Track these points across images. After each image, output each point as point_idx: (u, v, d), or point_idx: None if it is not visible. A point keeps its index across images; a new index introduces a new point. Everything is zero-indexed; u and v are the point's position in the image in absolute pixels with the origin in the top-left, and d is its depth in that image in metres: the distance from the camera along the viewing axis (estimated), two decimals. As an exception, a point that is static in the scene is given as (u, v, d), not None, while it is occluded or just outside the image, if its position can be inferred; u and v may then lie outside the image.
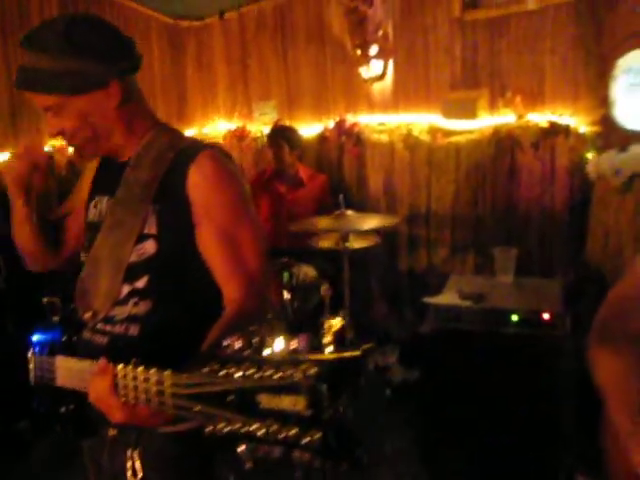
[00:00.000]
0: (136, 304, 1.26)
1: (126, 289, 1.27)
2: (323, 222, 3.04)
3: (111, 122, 1.27)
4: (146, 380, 0.89)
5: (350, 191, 3.83)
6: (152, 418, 0.94)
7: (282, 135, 3.61)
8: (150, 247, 1.25)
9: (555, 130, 3.10)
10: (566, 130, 3.08)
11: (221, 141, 4.37)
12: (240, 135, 4.27)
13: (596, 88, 2.92)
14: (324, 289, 2.97)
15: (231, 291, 1.20)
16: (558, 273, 3.11)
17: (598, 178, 2.73)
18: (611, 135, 2.70)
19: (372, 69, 3.64)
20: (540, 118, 3.17)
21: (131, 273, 1.25)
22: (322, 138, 3.91)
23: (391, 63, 3.62)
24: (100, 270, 1.29)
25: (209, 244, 1.23)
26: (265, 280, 1.25)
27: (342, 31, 3.74)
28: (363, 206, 3.75)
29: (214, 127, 4.46)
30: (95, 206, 1.38)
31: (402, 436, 2.98)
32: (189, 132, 4.46)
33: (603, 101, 2.76)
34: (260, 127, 4.19)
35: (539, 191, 3.18)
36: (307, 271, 3.26)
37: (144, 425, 0.98)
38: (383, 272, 3.78)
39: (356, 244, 3.13)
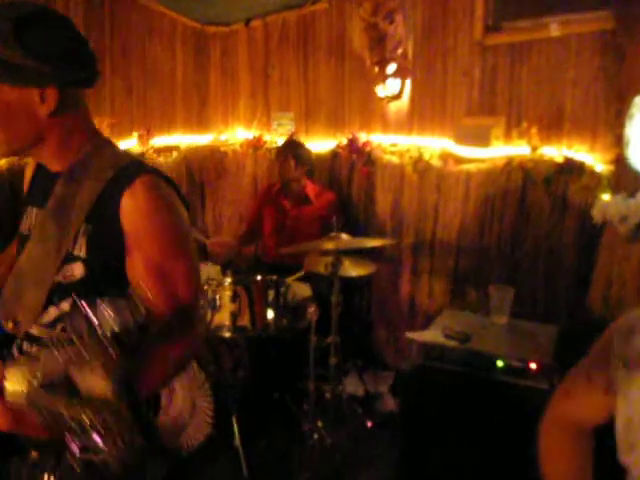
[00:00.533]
0: (64, 329, 1.22)
1: (53, 312, 1.24)
2: (314, 244, 2.98)
3: (36, 128, 1.20)
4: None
5: (358, 211, 3.74)
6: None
7: (290, 149, 3.56)
8: (78, 270, 1.21)
9: (569, 167, 2.93)
10: (581, 167, 2.90)
11: (238, 149, 4.35)
12: (256, 145, 4.23)
13: (615, 125, 2.74)
14: (310, 311, 2.92)
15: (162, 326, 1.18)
16: (560, 318, 2.94)
17: (606, 223, 2.55)
18: (623, 178, 2.53)
19: (389, 88, 3.54)
20: (555, 152, 3.00)
21: (57, 293, 1.22)
22: (334, 154, 3.83)
23: (409, 83, 3.51)
24: (23, 283, 1.26)
25: (138, 274, 1.20)
26: (198, 315, 1.23)
27: (362, 47, 3.64)
28: (370, 228, 3.66)
29: (233, 134, 4.43)
30: (27, 217, 1.35)
31: (377, 471, 2.89)
32: (207, 138, 4.46)
33: (619, 140, 2.59)
34: (276, 138, 4.14)
35: (548, 229, 3.01)
36: (301, 290, 3.19)
37: (31, 433, 0.96)
38: (384, 298, 3.66)
39: (352, 271, 3.06)
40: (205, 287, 2.92)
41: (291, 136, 3.99)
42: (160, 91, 4.15)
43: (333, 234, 2.87)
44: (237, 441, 2.88)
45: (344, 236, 2.85)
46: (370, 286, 3.71)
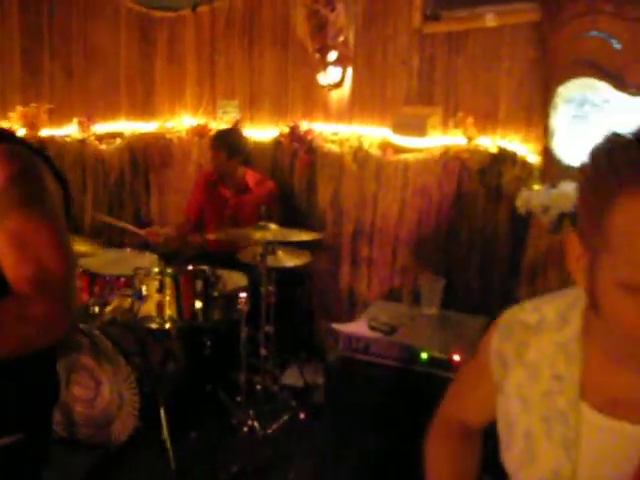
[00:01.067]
0: None
1: None
2: (239, 232, 2.94)
3: None
4: None
5: (299, 201, 3.70)
6: None
7: (222, 141, 3.51)
8: None
9: (503, 157, 2.92)
10: (513, 158, 2.90)
11: (183, 136, 4.27)
12: (201, 132, 4.16)
13: (545, 116, 2.73)
14: (241, 301, 2.87)
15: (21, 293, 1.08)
16: (494, 309, 2.93)
17: (531, 214, 2.55)
18: (548, 169, 2.52)
19: (330, 76, 3.49)
20: (490, 143, 2.99)
21: None
22: (277, 143, 3.78)
23: (350, 71, 3.47)
24: None
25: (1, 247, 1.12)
26: (69, 289, 1.13)
27: (304, 34, 3.59)
28: (311, 217, 3.62)
29: (179, 122, 4.35)
30: None
31: (309, 462, 2.86)
32: (152, 125, 4.37)
33: (546, 131, 2.58)
34: (222, 125, 4.07)
35: (483, 220, 3.00)
36: (238, 281, 3.14)
37: None
38: (324, 289, 3.63)
39: (286, 262, 3.02)
40: (132, 276, 2.87)
41: (237, 122, 3.92)
42: (103, 76, 4.05)
43: (262, 224, 2.83)
44: (165, 433, 2.83)
45: (273, 226, 2.82)
46: (311, 277, 3.67)
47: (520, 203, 2.51)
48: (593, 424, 0.84)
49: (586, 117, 2.36)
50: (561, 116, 2.39)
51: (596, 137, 0.76)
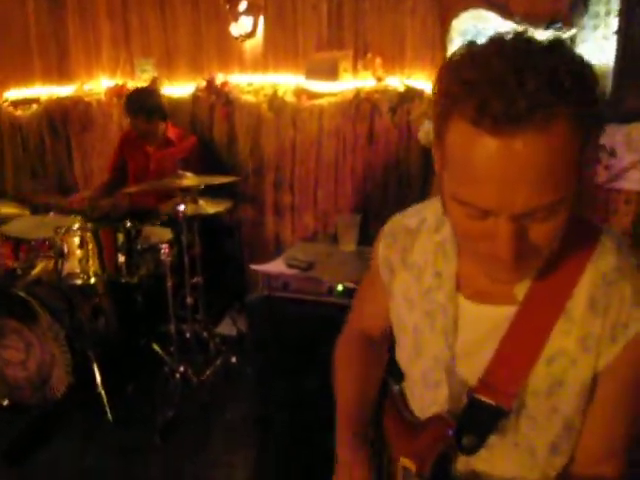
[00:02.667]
0: None
1: None
2: (161, 182, 2.96)
3: None
4: None
5: (220, 153, 3.72)
6: None
7: (137, 105, 3.45)
8: None
9: (411, 95, 3.01)
10: (420, 95, 2.99)
11: (102, 98, 4.20)
12: (120, 92, 4.09)
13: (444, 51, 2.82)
14: (163, 253, 2.91)
15: None
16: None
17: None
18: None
19: (242, 26, 3.49)
20: (398, 82, 3.07)
21: None
22: (195, 98, 3.76)
23: (261, 20, 3.47)
24: None
25: None
26: None
27: (214, -15, 3.57)
28: (232, 169, 3.65)
29: (97, 84, 4.27)
30: None
31: (243, 405, 2.95)
32: (70, 88, 4.27)
33: (445, 65, 2.66)
34: (140, 84, 4.02)
35: (396, 159, 3.10)
36: (163, 234, 3.17)
37: None
38: (251, 238, 3.70)
39: (208, 209, 3.05)
40: (53, 234, 2.86)
41: (155, 80, 3.88)
42: (12, 42, 3.93)
43: (180, 172, 2.85)
44: (99, 387, 2.88)
45: (189, 174, 2.84)
46: (239, 228, 3.73)
47: (422, 135, 2.61)
48: (467, 312, 0.93)
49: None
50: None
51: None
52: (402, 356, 1.07)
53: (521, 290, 0.86)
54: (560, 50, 0.71)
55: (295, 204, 3.49)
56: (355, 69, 3.20)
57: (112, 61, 4.20)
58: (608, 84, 1.96)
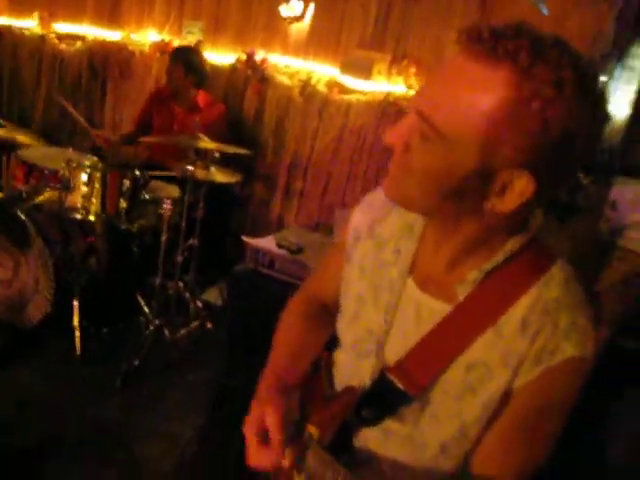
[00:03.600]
0: None
1: None
2: (176, 139, 3.00)
3: None
4: None
5: (246, 127, 3.77)
6: None
7: (181, 57, 3.53)
8: None
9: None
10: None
11: (146, 50, 4.28)
12: (164, 49, 4.17)
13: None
14: (165, 208, 2.96)
15: None
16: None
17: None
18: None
19: (292, 8, 3.54)
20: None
21: None
22: (233, 68, 3.82)
23: (312, 7, 3.52)
24: None
25: None
26: None
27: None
28: (254, 144, 3.70)
29: (144, 36, 4.35)
30: None
31: (207, 370, 3.00)
32: (116, 34, 4.36)
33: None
34: (184, 44, 4.10)
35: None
36: (170, 191, 3.23)
37: None
38: (256, 215, 3.75)
39: (217, 177, 3.09)
40: (63, 166, 2.93)
41: (199, 44, 3.95)
42: (69, -24, 4.03)
43: (197, 134, 2.90)
44: (75, 322, 2.94)
45: (206, 138, 2.89)
46: (246, 202, 3.78)
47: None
48: (410, 295, 0.96)
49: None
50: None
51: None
52: (341, 321, 1.10)
53: (462, 292, 0.88)
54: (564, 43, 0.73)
55: (305, 191, 3.54)
56: (389, 73, 3.23)
57: (163, 16, 4.28)
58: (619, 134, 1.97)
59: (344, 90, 3.37)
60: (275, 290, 2.62)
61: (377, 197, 1.07)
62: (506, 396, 0.86)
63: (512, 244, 0.86)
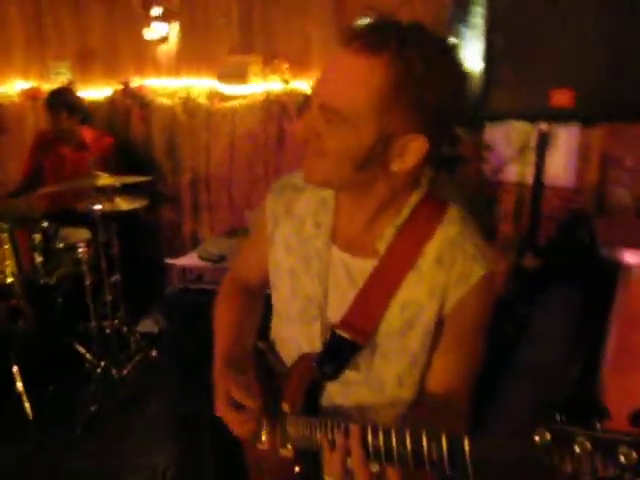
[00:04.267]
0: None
1: None
2: (76, 182, 3.01)
3: None
4: None
5: (137, 154, 3.80)
6: None
7: (61, 100, 3.51)
8: None
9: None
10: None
11: (16, 100, 4.18)
12: (34, 95, 4.10)
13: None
14: (81, 252, 2.97)
15: None
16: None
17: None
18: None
19: (156, 31, 3.59)
20: (305, 85, 3.26)
21: None
22: (111, 101, 3.83)
23: (176, 26, 3.59)
24: None
25: None
26: None
27: (128, -10, 3.65)
28: (149, 170, 3.74)
29: (10, 86, 4.25)
30: None
31: (166, 398, 3.03)
32: (-19, 91, 4.23)
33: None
34: (55, 87, 4.04)
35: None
36: (80, 235, 3.22)
37: None
38: (170, 237, 3.80)
39: (123, 205, 3.12)
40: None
41: (70, 84, 3.91)
42: None
43: (95, 173, 2.93)
44: (19, 388, 2.91)
45: (104, 174, 2.92)
46: (158, 228, 3.82)
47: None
48: (338, 260, 1.10)
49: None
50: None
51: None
52: (279, 298, 1.21)
53: (381, 247, 1.04)
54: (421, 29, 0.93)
55: (211, 202, 3.63)
56: (264, 73, 3.37)
57: (24, 62, 4.19)
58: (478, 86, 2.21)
59: (225, 98, 3.48)
60: (209, 301, 2.70)
61: (287, 182, 1.20)
62: (441, 323, 1.03)
63: (414, 199, 1.04)
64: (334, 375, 1.05)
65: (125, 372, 3.13)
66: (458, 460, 0.71)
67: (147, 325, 3.65)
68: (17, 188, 3.76)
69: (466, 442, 0.71)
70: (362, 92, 0.89)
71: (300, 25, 3.27)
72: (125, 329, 3.26)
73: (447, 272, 1.01)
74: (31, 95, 4.11)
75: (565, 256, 2.50)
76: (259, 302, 1.38)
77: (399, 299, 1.03)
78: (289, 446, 1.11)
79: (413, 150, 0.93)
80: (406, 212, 1.03)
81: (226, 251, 2.82)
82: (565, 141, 2.61)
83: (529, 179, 2.70)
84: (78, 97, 3.62)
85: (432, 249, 1.02)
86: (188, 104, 3.56)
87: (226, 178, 3.55)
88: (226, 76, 3.39)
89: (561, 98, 2.18)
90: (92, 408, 2.90)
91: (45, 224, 2.96)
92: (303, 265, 1.13)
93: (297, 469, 1.10)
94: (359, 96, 0.89)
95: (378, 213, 1.04)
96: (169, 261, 2.78)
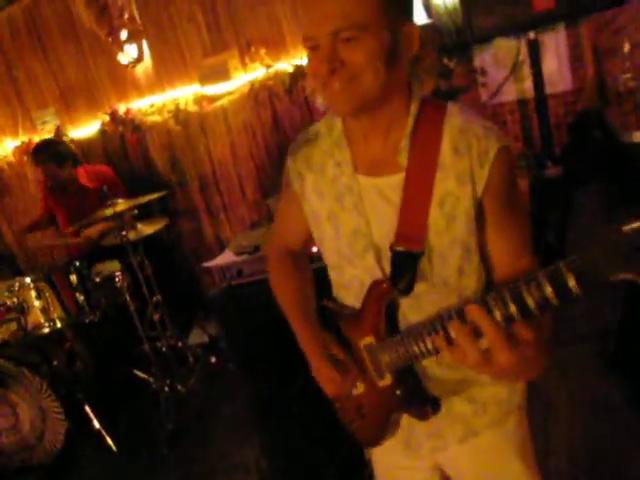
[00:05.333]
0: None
1: None
2: (95, 215, 3.03)
3: None
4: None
5: (139, 177, 3.84)
6: None
7: (46, 155, 3.43)
8: None
9: (301, 73, 3.23)
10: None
11: (12, 159, 4.23)
12: (27, 150, 4.14)
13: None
14: (118, 280, 3.03)
15: None
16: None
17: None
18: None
19: (128, 54, 3.62)
20: (287, 65, 3.29)
21: None
22: (102, 133, 3.87)
23: (145, 44, 3.62)
24: None
25: None
26: None
27: (90, 21, 3.68)
28: (156, 187, 3.76)
29: (2, 147, 4.30)
30: None
31: (237, 401, 3.08)
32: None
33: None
34: (45, 137, 4.08)
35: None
36: (111, 267, 3.27)
37: None
38: (195, 247, 3.86)
39: (147, 230, 3.17)
40: (7, 295, 2.93)
41: (58, 130, 3.95)
42: None
43: (109, 202, 2.96)
44: (96, 425, 2.97)
45: (120, 200, 2.97)
46: (181, 242, 3.87)
47: (320, 102, 2.85)
48: (367, 186, 1.14)
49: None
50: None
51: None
52: (328, 247, 1.24)
53: (403, 159, 1.09)
54: None
55: (226, 203, 3.67)
56: (244, 64, 3.40)
57: (8, 119, 4.23)
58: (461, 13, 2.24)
59: (213, 99, 3.51)
60: (255, 291, 2.74)
61: (298, 142, 1.24)
62: (479, 205, 1.09)
63: (414, 107, 1.10)
64: (409, 289, 1.10)
65: (191, 384, 3.19)
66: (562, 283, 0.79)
67: (197, 336, 3.71)
68: (35, 222, 3.76)
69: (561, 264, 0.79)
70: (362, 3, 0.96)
71: (266, 9, 3.30)
72: (180, 344, 3.32)
73: (468, 157, 1.06)
74: (24, 150, 4.16)
75: (584, 156, 2.54)
76: (306, 261, 1.43)
77: (436, 198, 1.08)
78: (387, 375, 1.15)
79: (413, 37, 1.03)
80: (411, 121, 1.09)
81: (258, 241, 2.86)
82: (554, 46, 2.64)
83: (529, 93, 2.73)
84: (60, 144, 3.60)
85: (447, 143, 1.08)
86: (179, 115, 3.59)
87: (234, 176, 3.59)
88: (207, 78, 3.42)
89: (543, 1, 2.21)
90: (169, 426, 2.95)
91: (77, 263, 3.02)
92: (338, 205, 1.17)
93: (398, 392, 1.15)
94: (368, 1, 0.96)
95: (390, 128, 1.10)
96: (206, 264, 2.83)
